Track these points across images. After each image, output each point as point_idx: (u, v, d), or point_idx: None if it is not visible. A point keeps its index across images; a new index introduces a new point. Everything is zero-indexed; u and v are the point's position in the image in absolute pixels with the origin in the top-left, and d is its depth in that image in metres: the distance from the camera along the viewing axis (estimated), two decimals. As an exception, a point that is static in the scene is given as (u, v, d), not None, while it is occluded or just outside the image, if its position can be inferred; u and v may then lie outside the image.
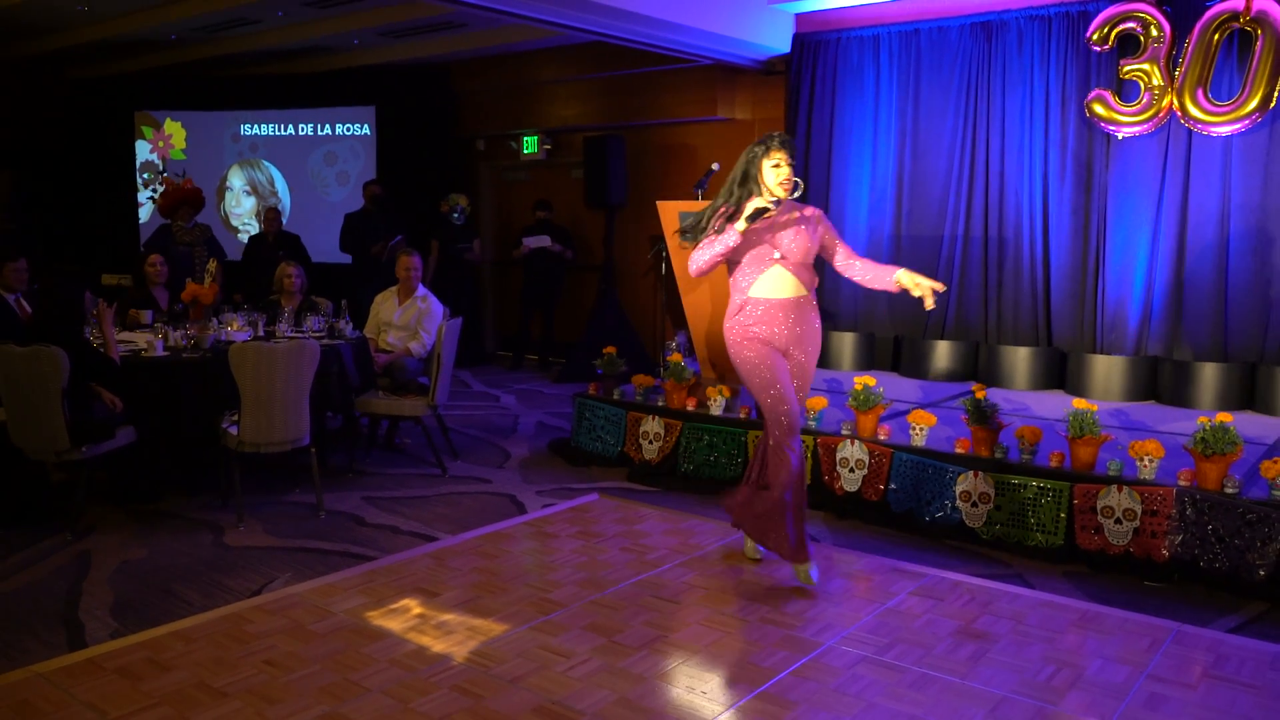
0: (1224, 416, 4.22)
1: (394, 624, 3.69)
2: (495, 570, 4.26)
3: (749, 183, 4.02)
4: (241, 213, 11.26)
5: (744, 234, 3.96)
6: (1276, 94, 6.07)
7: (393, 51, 10.04)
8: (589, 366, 6.90)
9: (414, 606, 3.85)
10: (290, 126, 11.05)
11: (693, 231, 4.13)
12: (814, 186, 8.14)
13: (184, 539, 4.68)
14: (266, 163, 11.18)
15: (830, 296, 8.07)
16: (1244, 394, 6.26)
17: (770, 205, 3.92)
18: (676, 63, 8.60)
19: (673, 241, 5.95)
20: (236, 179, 11.25)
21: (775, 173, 3.98)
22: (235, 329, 5.64)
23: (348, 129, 10.87)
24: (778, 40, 8.12)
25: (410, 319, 6.42)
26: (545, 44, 9.40)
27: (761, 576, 4.21)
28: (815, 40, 8.07)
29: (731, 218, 4.02)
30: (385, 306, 6.54)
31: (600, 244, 9.48)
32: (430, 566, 4.31)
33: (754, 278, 4.07)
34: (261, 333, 5.73)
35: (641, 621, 3.72)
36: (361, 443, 6.29)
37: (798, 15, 8.17)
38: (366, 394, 5.90)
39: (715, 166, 6.22)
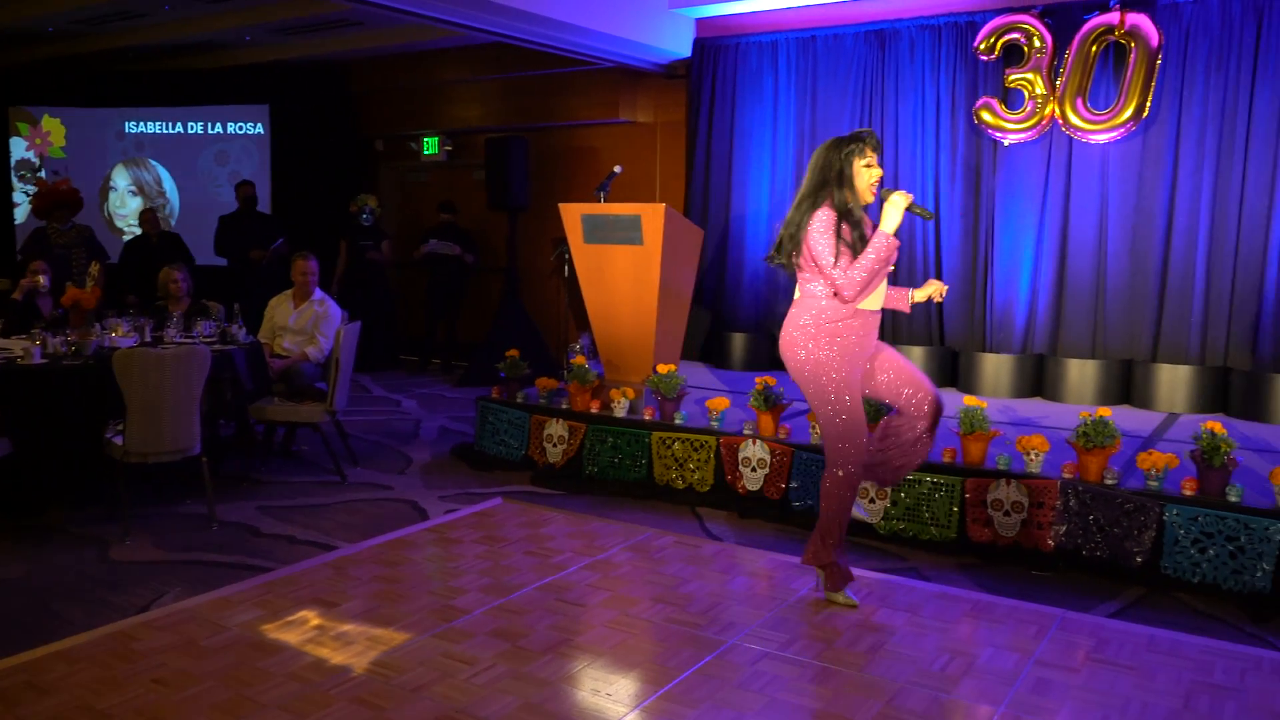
0: (1103, 411, 4.42)
1: (291, 636, 3.59)
2: (397, 578, 4.19)
3: (846, 184, 3.65)
4: (127, 214, 10.81)
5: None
6: (1149, 104, 6.39)
7: (287, 49, 9.79)
8: (492, 370, 6.84)
9: (312, 618, 3.76)
10: (179, 124, 10.67)
11: (786, 250, 3.75)
12: (715, 188, 8.24)
13: (66, 554, 4.47)
14: (154, 162, 10.77)
15: (732, 295, 8.18)
16: (1121, 389, 6.57)
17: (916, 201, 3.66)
18: (578, 65, 8.60)
19: (576, 243, 5.95)
20: (121, 179, 10.81)
21: (868, 173, 3.67)
22: (120, 335, 5.41)
23: (240, 128, 10.56)
24: (679, 44, 8.20)
25: (306, 323, 6.26)
26: (446, 44, 9.30)
27: (666, 577, 4.24)
28: (715, 45, 8.17)
29: (851, 220, 3.64)
30: (280, 310, 6.37)
31: (503, 246, 9.41)
32: (329, 576, 4.21)
33: (872, 289, 3.70)
34: (149, 338, 5.52)
35: (546, 625, 3.70)
36: (256, 451, 6.11)
37: (698, 20, 8.27)
38: (261, 400, 5.73)
39: (618, 169, 6.24)
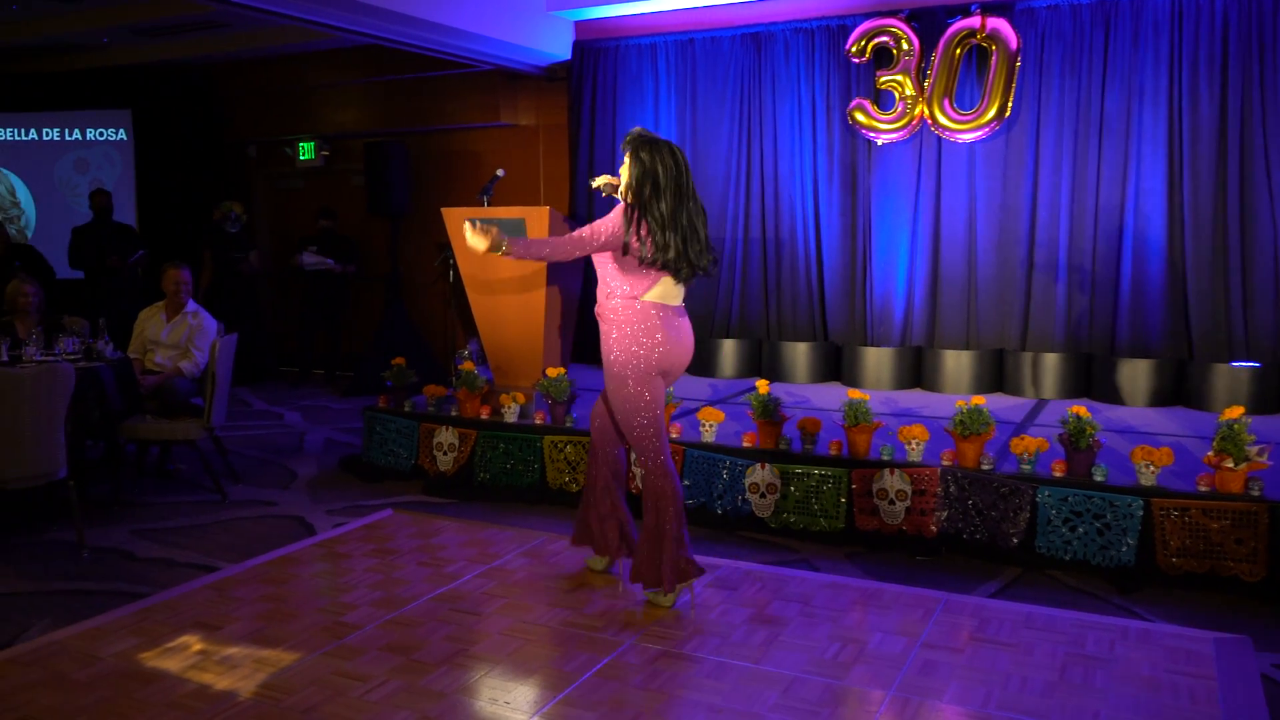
0: (978, 399, 4.60)
1: (171, 664, 3.44)
2: (283, 597, 4.06)
3: None
4: (-23, 226, 10.18)
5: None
6: (1010, 105, 6.68)
7: (149, 51, 9.38)
8: (378, 379, 6.70)
9: (194, 643, 3.61)
10: (33, 130, 10.09)
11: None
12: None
13: (-82, 591, 4.18)
14: (6, 170, 10.17)
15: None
16: (995, 377, 6.85)
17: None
18: (457, 67, 8.49)
19: (460, 248, 5.87)
20: (-31, 189, 10.17)
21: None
22: (-27, 355, 5.09)
23: (100, 134, 10.06)
24: (558, 47, 8.18)
25: (180, 336, 6.01)
26: (319, 46, 9.05)
27: (561, 581, 4.22)
28: (595, 48, 8.18)
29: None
30: (151, 324, 6.10)
31: (385, 253, 9.22)
32: (211, 599, 4.05)
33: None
34: (5, 357, 5.20)
35: (441, 637, 3.64)
36: (128, 471, 5.84)
37: (577, 23, 8.26)
38: (133, 419, 5.48)
39: (500, 173, 6.18)
